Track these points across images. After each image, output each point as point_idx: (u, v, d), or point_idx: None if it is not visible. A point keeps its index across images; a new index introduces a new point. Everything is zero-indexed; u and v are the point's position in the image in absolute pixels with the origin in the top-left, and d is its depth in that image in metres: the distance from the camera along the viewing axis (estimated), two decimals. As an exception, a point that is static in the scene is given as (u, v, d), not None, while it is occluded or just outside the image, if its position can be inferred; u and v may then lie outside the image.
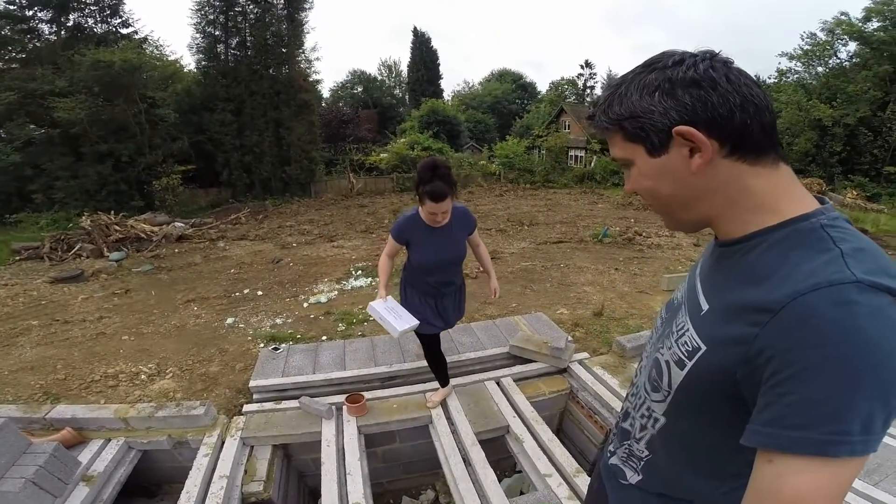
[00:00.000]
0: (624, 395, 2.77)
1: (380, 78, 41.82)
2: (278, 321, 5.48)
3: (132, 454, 2.72)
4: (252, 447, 2.80)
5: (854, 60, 18.48)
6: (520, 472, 2.92)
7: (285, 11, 18.36)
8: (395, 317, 2.37)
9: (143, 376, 3.98)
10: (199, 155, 17.64)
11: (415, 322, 2.37)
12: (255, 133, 17.87)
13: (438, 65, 36.33)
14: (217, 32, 17.79)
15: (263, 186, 18.47)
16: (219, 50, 17.89)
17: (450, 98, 37.44)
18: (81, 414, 2.86)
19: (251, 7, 17.88)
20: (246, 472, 2.64)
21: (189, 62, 23.82)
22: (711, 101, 0.62)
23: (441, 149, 23.03)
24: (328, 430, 2.76)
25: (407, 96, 38.71)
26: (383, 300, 2.44)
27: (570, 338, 3.55)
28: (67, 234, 10.30)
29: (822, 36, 19.31)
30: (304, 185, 19.24)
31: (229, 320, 5.48)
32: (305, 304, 6.15)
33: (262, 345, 4.54)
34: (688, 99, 0.63)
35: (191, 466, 2.54)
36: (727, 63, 0.64)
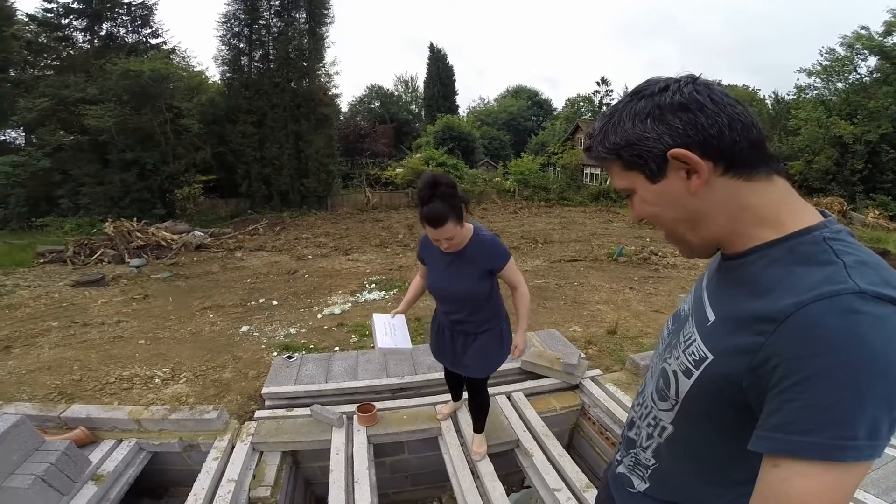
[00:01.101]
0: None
1: (396, 93, 42.53)
2: (292, 331, 5.53)
3: (142, 455, 2.75)
4: (262, 452, 2.81)
5: (875, 76, 18.13)
6: (528, 487, 2.88)
7: (307, 26, 18.89)
8: (385, 333, 2.23)
9: (157, 380, 4.03)
10: (220, 165, 18.07)
11: (403, 346, 2.20)
12: (275, 145, 18.27)
13: (454, 81, 36.77)
14: (242, 45, 18.36)
15: (282, 198, 18.80)
16: (243, 62, 18.44)
17: (465, 114, 37.82)
18: (96, 414, 2.90)
19: (275, 21, 18.45)
20: (254, 476, 2.65)
21: (214, 73, 24.53)
22: (700, 123, 0.64)
23: (456, 165, 23.19)
24: (338, 439, 2.77)
25: (423, 112, 39.18)
26: (390, 315, 2.36)
27: (582, 354, 3.52)
28: (91, 239, 10.56)
29: (840, 51, 19.00)
30: (321, 199, 19.53)
31: (244, 328, 5.54)
32: (319, 316, 6.20)
33: (275, 353, 4.59)
34: (678, 123, 0.65)
35: (199, 469, 2.56)
36: (709, 85, 0.67)
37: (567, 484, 2.37)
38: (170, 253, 10.35)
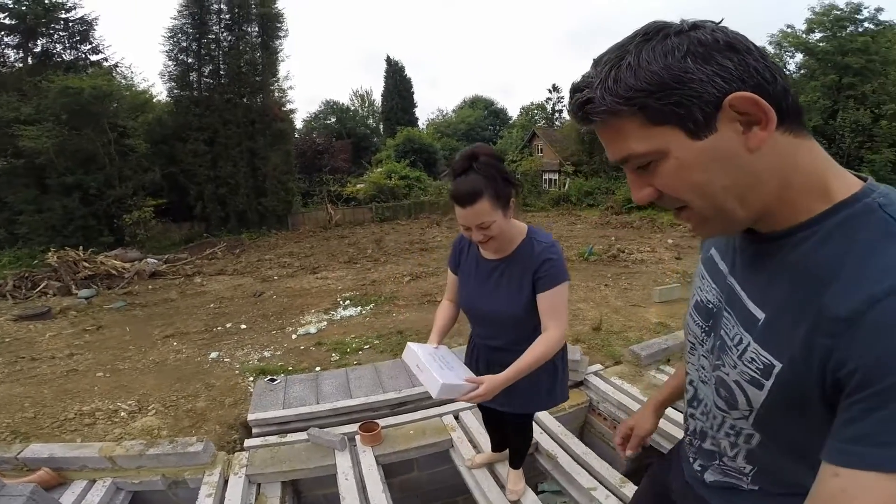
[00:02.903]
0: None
1: (352, 108, 42.18)
2: (266, 354, 5.26)
3: (121, 496, 2.43)
4: (259, 485, 2.55)
5: (802, 71, 19.15)
6: (542, 492, 2.75)
7: (259, 39, 18.39)
8: (441, 367, 1.48)
9: (122, 413, 3.70)
10: (171, 187, 17.19)
11: (465, 383, 1.46)
12: (229, 164, 17.55)
13: (412, 93, 36.82)
14: (190, 60, 17.61)
15: (239, 219, 18.05)
16: (192, 78, 17.70)
17: (424, 126, 37.94)
18: (60, 453, 2.56)
19: (225, 35, 17.83)
20: (253, 513, 2.40)
21: (161, 90, 23.49)
22: (754, 65, 0.52)
23: (419, 177, 23.13)
24: (343, 463, 2.55)
25: (381, 126, 39.03)
26: (432, 346, 1.67)
27: (581, 351, 3.45)
28: (32, 272, 9.74)
29: (770, 49, 19.99)
30: (280, 218, 18.90)
31: (213, 355, 5.21)
32: (294, 336, 5.92)
33: (251, 378, 4.32)
34: (730, 63, 0.52)
35: (188, 507, 2.30)
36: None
37: (601, 482, 2.25)
38: (122, 282, 9.67)
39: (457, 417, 2.91)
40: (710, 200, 0.57)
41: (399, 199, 21.28)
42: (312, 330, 6.04)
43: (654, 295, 6.15)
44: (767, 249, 0.62)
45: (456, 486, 2.85)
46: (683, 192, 0.57)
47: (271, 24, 18.53)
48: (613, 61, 0.54)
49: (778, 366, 0.59)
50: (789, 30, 19.09)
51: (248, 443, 2.80)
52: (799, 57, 19.31)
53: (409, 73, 36.63)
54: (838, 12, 17.34)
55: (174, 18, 17.42)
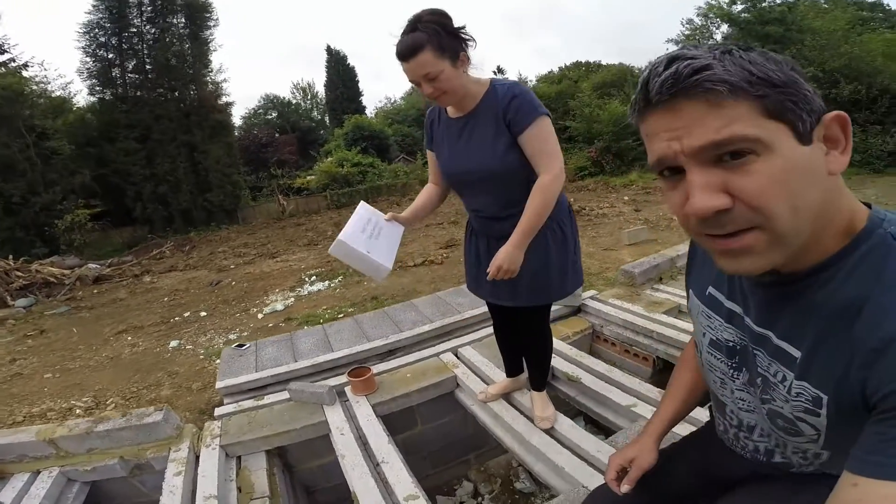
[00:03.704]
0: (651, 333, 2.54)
1: (294, 101, 40.54)
2: (232, 336, 4.87)
3: (75, 489, 2.03)
4: (239, 457, 2.20)
5: (727, 42, 20.05)
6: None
7: (187, 30, 17.12)
8: (362, 230, 1.58)
9: (77, 411, 3.35)
10: (106, 191, 15.89)
11: (378, 260, 1.54)
12: (166, 160, 16.34)
13: (357, 82, 35.49)
14: (110, 55, 16.22)
15: (184, 218, 16.93)
16: (114, 74, 16.30)
17: (373, 114, 36.86)
18: (-15, 442, 2.13)
19: (148, 27, 16.48)
20: (240, 489, 2.04)
21: (80, 88, 21.62)
22: (817, 97, 0.53)
23: (372, 163, 22.41)
24: (335, 417, 2.23)
25: (327, 117, 37.70)
26: (384, 216, 1.71)
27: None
28: (-46, 288, 8.67)
29: (698, 21, 20.56)
30: (230, 213, 17.90)
31: (173, 343, 4.77)
32: (260, 315, 5.51)
33: (217, 361, 3.93)
34: (813, 89, 0.52)
35: (160, 495, 1.92)
36: None
37: (638, 397, 2.01)
38: (63, 289, 8.79)
39: (456, 354, 2.64)
40: (796, 217, 0.51)
41: (353, 185, 20.62)
42: (279, 307, 5.64)
43: (624, 237, 6.26)
44: (786, 292, 0.62)
45: (467, 441, 2.59)
46: (776, 201, 0.50)
47: (199, 14, 17.29)
48: (722, 49, 0.51)
49: (825, 397, 0.60)
50: (714, 2, 19.51)
51: (219, 411, 2.44)
52: (724, 28, 19.78)
53: (351, 63, 35.38)
54: (758, -17, 17.93)
55: (89, 13, 15.98)
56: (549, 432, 1.89)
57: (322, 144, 30.11)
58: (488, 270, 1.53)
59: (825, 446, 0.67)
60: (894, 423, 0.50)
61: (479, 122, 1.54)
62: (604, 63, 27.03)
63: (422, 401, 2.42)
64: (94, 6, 15.85)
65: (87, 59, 16.13)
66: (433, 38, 1.37)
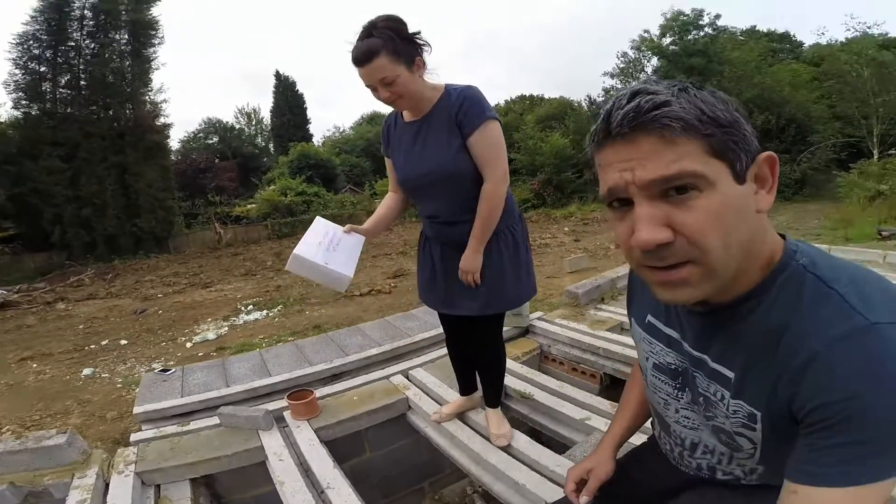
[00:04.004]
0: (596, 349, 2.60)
1: (238, 126, 39.55)
2: (156, 365, 4.43)
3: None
4: (158, 486, 1.95)
5: (658, 73, 21.01)
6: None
7: (130, 47, 16.47)
8: (319, 242, 1.57)
9: None
10: (22, 211, 14.53)
11: (337, 270, 1.53)
12: (93, 181, 15.28)
13: (305, 109, 35.31)
14: (43, 69, 15.27)
15: (109, 244, 15.72)
16: (44, 88, 15.32)
17: (321, 143, 36.59)
18: None
19: (87, 42, 15.72)
20: (155, 522, 1.80)
21: (3, 100, 20.01)
22: (755, 138, 0.57)
23: (317, 192, 22.01)
24: (273, 443, 2.04)
25: (271, 144, 37.01)
26: (342, 228, 1.68)
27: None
28: None
29: (632, 54, 22.05)
30: (160, 240, 16.85)
31: (86, 371, 4.33)
32: (189, 344, 5.13)
33: (137, 390, 3.57)
34: (751, 129, 0.57)
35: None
36: None
37: (592, 411, 1.97)
38: (-44, 315, 7.77)
39: (407, 376, 2.53)
40: (727, 253, 0.55)
41: (297, 215, 20.09)
42: (211, 336, 5.28)
43: (566, 265, 6.48)
44: (717, 321, 0.66)
45: (420, 467, 2.45)
46: (712, 236, 0.54)
47: (144, 31, 16.75)
48: (679, 87, 0.55)
49: (759, 413, 0.64)
50: (646, 35, 21.15)
51: (135, 436, 2.17)
52: (655, 60, 21.36)
53: (300, 90, 35.27)
54: (684, 18, 19.66)
55: (25, 24, 15.09)
56: (507, 450, 1.81)
57: (265, 172, 29.33)
58: (463, 273, 1.60)
59: (760, 461, 0.72)
60: (821, 436, 0.54)
61: (434, 125, 1.55)
62: (546, 97, 28.51)
63: (370, 424, 2.26)
64: (31, 17, 15.06)
65: (17, 71, 15.13)
66: (388, 44, 1.38)
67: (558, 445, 1.90)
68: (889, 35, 18.71)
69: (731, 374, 0.67)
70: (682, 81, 0.56)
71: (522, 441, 1.82)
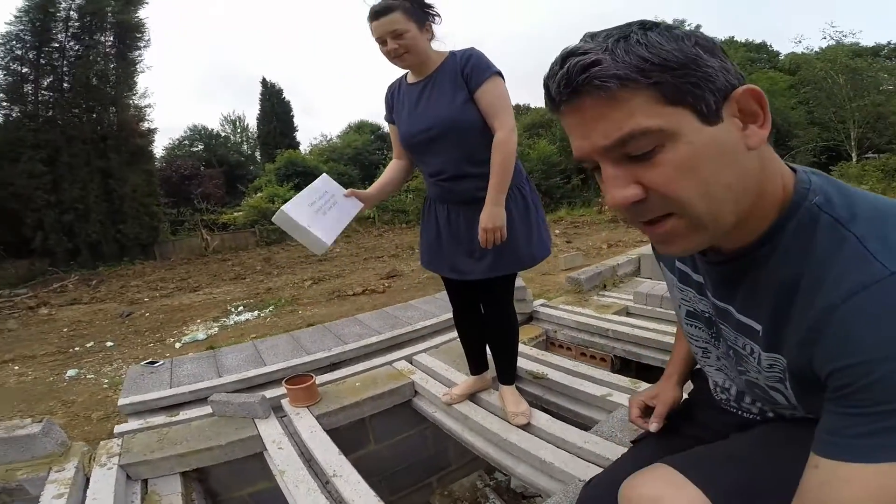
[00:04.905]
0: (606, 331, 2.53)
1: (224, 134, 39.06)
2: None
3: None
4: (145, 481, 1.80)
5: (630, 23, 22.08)
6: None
7: (115, 49, 16.14)
8: (311, 202, 1.55)
9: None
10: (1, 216, 14.03)
11: (317, 234, 1.48)
12: (76, 186, 14.86)
13: (292, 116, 34.92)
14: (25, 70, 14.85)
15: (92, 251, 15.26)
16: (26, 90, 14.90)
17: (308, 150, 36.22)
18: None
19: (72, 43, 15.35)
20: (142, 518, 1.66)
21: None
22: (735, 69, 0.51)
23: (305, 198, 21.83)
24: (271, 431, 1.92)
25: (258, 151, 36.61)
26: (343, 191, 1.67)
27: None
28: None
29: None
30: (146, 247, 16.43)
31: (71, 372, 4.18)
32: (178, 345, 4.98)
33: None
34: (727, 62, 0.51)
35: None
36: None
37: (611, 388, 1.88)
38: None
39: (411, 362, 2.41)
40: (710, 202, 0.51)
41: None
42: (201, 336, 5.12)
43: (561, 263, 6.49)
44: (737, 267, 0.61)
45: (427, 461, 2.35)
46: (686, 189, 0.50)
47: (130, 34, 16.42)
48: (618, 35, 0.49)
49: (785, 361, 0.60)
50: None
51: (119, 428, 2.04)
52: None
53: (287, 97, 35.00)
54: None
55: (9, 24, 14.70)
56: (527, 429, 1.71)
57: (251, 180, 29.02)
58: (480, 239, 1.52)
59: (807, 411, 0.65)
60: (843, 403, 0.48)
61: (439, 82, 1.58)
62: (532, 106, 28.63)
63: (375, 412, 2.15)
64: (16, 17, 14.66)
65: (-2, 72, 14.68)
66: (404, 4, 1.46)
67: (578, 426, 1.80)
68: (861, 44, 19.28)
69: (758, 327, 0.62)
70: (628, 26, 0.50)
71: (543, 419, 1.73)
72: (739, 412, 0.83)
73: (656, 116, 0.48)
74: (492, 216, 1.48)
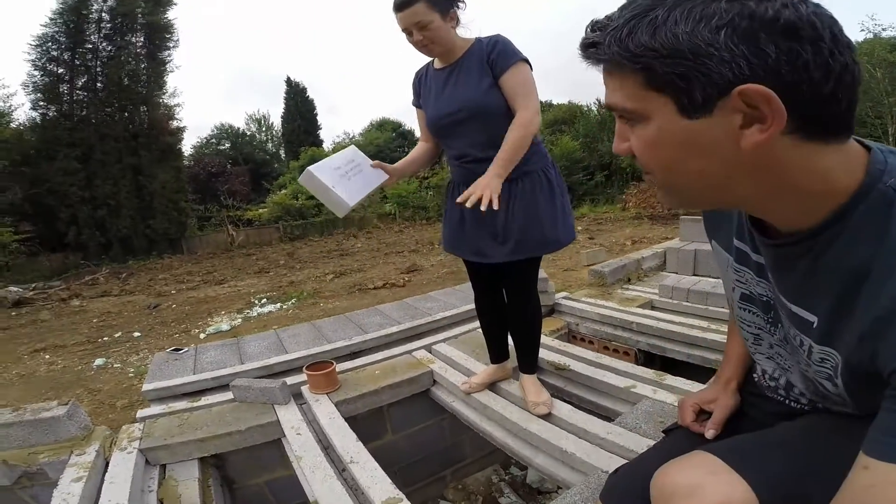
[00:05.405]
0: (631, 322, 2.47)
1: (249, 132, 39.79)
2: (168, 353, 4.35)
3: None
4: (164, 466, 1.82)
5: None
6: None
7: (145, 50, 16.62)
8: (337, 166, 1.58)
9: None
10: (38, 212, 14.60)
11: (341, 194, 1.50)
12: (107, 182, 15.38)
13: (316, 114, 35.41)
14: (61, 70, 15.38)
15: (123, 245, 15.79)
16: (62, 90, 15.43)
17: (330, 148, 36.68)
18: None
19: (104, 44, 15.85)
20: (161, 502, 1.67)
21: (23, 102, 20.34)
22: (803, 60, 0.44)
23: (328, 194, 22.04)
24: (290, 416, 1.93)
25: (282, 149, 37.20)
26: (370, 161, 1.71)
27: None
28: None
29: None
30: (174, 242, 16.87)
31: (98, 361, 4.28)
32: (203, 336, 5.06)
33: None
34: (772, 49, 0.44)
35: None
36: (832, 16, 0.46)
37: (636, 379, 1.83)
38: (-28, 311, 7.81)
39: (430, 351, 2.39)
40: (675, 178, 0.55)
41: (308, 218, 20.10)
42: (225, 327, 5.20)
43: (583, 258, 6.33)
44: (791, 253, 0.59)
45: (443, 453, 2.33)
46: (650, 162, 0.55)
47: (159, 34, 16.89)
48: (640, 12, 0.48)
49: (841, 366, 0.57)
50: None
51: (141, 413, 2.06)
52: None
53: (310, 96, 35.44)
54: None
55: (44, 26, 15.25)
56: (547, 419, 1.67)
57: (276, 178, 29.50)
58: (459, 200, 1.45)
59: (858, 408, 0.63)
60: None
61: (464, 68, 1.59)
62: (555, 103, 28.27)
63: (393, 400, 2.14)
64: (51, 19, 15.22)
65: (36, 72, 15.26)
66: None
67: (600, 418, 1.75)
68: (900, 38, 18.40)
69: (812, 319, 0.59)
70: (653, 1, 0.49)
71: (565, 409, 1.68)
72: (787, 401, 0.80)
73: (634, 99, 0.51)
74: (489, 182, 1.42)
